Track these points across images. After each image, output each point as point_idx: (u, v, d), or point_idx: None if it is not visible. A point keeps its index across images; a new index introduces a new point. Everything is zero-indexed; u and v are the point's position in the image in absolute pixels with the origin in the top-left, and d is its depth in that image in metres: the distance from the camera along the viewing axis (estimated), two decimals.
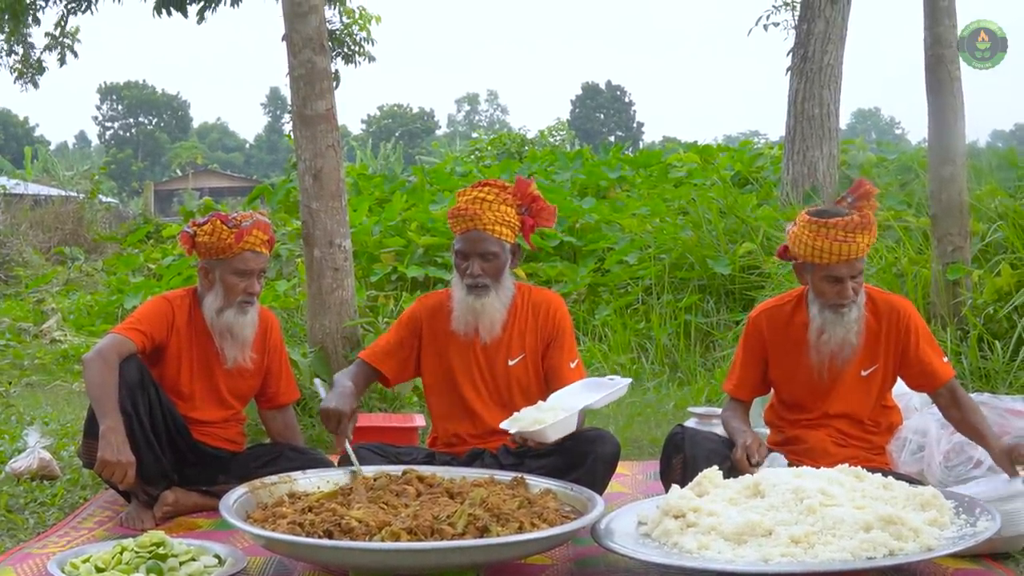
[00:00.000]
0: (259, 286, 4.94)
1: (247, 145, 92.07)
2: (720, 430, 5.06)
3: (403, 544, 3.54)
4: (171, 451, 4.83)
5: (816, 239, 4.46)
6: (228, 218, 4.87)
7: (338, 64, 12.71)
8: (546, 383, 4.82)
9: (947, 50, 7.23)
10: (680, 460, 4.55)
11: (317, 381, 4.85)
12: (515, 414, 4.44)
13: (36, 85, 14.12)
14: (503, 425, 4.43)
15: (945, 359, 4.69)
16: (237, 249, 4.83)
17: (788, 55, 12.38)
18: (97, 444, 4.47)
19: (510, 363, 4.81)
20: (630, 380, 4.65)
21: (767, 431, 5.04)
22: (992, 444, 4.39)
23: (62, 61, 13.79)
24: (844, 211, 4.51)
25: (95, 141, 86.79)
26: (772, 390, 4.96)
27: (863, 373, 4.66)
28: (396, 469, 4.38)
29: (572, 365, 4.79)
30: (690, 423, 5.74)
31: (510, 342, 4.81)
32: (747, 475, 4.13)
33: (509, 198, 4.75)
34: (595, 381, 4.65)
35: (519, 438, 4.35)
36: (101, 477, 4.65)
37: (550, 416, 4.28)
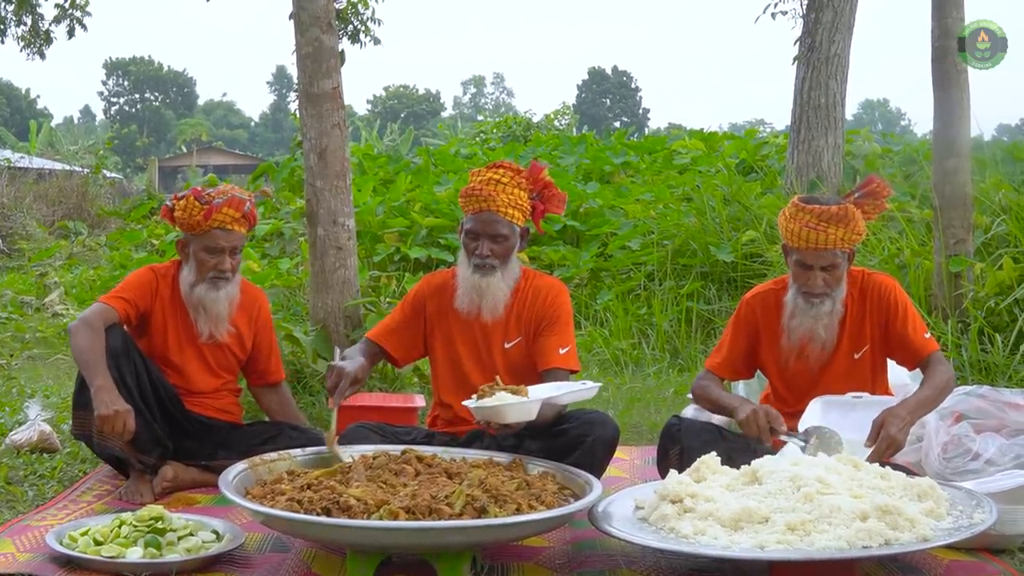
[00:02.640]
0: (231, 263, 4.99)
1: (252, 123, 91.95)
2: (718, 418, 5.06)
3: (401, 523, 3.55)
4: (164, 419, 4.88)
5: (790, 221, 4.53)
6: (202, 194, 4.93)
7: (344, 43, 12.70)
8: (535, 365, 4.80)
9: (954, 42, 7.20)
10: (677, 451, 4.54)
11: (337, 350, 4.83)
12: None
13: (43, 56, 14.09)
14: (465, 402, 4.41)
15: (927, 335, 4.67)
16: (206, 226, 4.90)
17: (795, 44, 12.36)
18: (87, 415, 4.59)
19: (506, 346, 4.81)
20: (599, 385, 4.62)
21: None
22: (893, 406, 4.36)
23: (71, 33, 13.77)
24: (831, 201, 4.52)
25: (100, 116, 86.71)
26: (767, 380, 4.97)
27: (855, 356, 4.70)
28: (395, 448, 4.38)
29: (562, 351, 4.74)
30: (689, 410, 5.75)
31: (508, 325, 4.81)
32: (744, 465, 4.11)
33: (523, 182, 4.74)
34: (567, 384, 4.60)
35: (481, 419, 4.33)
36: (102, 442, 4.67)
37: (511, 398, 4.28)
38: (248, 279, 5.45)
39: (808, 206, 4.50)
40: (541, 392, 4.40)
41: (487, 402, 4.25)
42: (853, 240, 4.51)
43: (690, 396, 6.03)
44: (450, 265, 5.92)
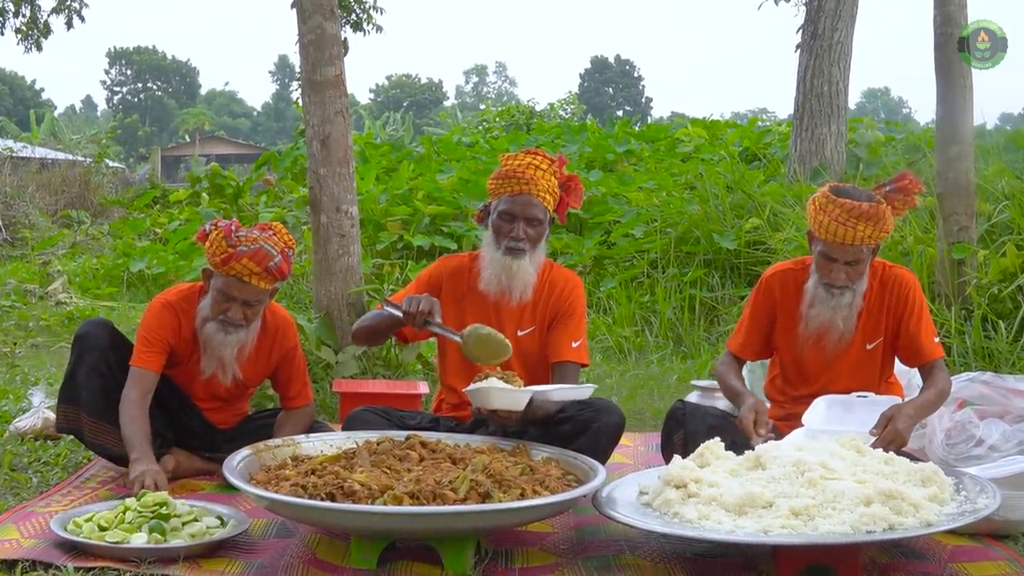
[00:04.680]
0: (243, 313, 4.67)
1: (254, 112, 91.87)
2: (722, 404, 5.05)
3: (405, 508, 3.56)
4: (163, 412, 4.83)
5: (819, 212, 4.48)
6: (233, 233, 4.60)
7: (346, 31, 12.70)
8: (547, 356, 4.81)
9: (956, 30, 7.18)
10: (681, 436, 4.54)
11: (389, 308, 4.65)
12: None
13: (40, 48, 14.08)
14: (464, 389, 4.43)
15: (936, 339, 4.68)
16: (223, 270, 4.60)
17: (798, 32, 12.36)
18: (73, 409, 4.74)
19: (519, 333, 4.79)
20: (594, 387, 4.67)
21: (768, 405, 5.05)
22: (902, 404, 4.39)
23: (69, 24, 13.77)
24: (863, 195, 4.49)
25: (102, 106, 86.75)
26: (773, 363, 4.97)
27: (868, 347, 4.68)
28: (400, 434, 4.39)
29: (574, 344, 4.75)
30: (692, 396, 5.75)
31: (523, 313, 4.80)
32: (748, 449, 4.12)
33: (556, 171, 4.75)
34: (563, 384, 4.63)
35: (472, 403, 4.35)
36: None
37: (499, 383, 4.27)
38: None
39: (839, 199, 4.43)
40: (535, 386, 4.42)
41: (476, 384, 4.28)
42: (880, 237, 4.48)
43: (694, 383, 6.06)
44: (453, 252, 5.87)
